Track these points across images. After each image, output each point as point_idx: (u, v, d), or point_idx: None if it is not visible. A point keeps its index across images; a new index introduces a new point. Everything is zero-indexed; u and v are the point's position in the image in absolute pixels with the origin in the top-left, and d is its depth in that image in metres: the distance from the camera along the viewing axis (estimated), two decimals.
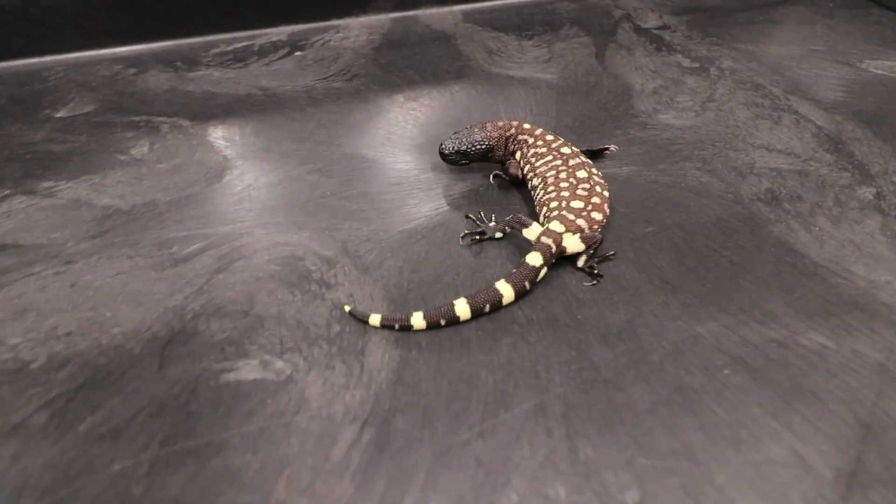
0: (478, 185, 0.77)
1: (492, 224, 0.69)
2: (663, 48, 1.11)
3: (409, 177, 0.79)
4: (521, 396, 0.51)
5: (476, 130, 0.75)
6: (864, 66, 1.05)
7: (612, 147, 0.80)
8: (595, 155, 0.80)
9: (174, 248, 0.67)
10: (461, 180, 0.78)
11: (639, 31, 1.18)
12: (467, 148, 0.74)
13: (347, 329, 0.57)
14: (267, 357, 0.55)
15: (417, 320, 0.56)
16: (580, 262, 0.63)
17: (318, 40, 1.14)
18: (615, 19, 1.23)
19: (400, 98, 0.96)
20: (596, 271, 0.62)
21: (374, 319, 0.57)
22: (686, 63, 1.06)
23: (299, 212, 0.73)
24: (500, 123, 0.76)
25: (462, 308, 0.57)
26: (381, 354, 0.55)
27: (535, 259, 0.60)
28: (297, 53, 1.10)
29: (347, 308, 0.59)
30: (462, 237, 0.68)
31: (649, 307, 0.60)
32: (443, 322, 0.57)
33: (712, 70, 1.04)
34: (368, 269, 0.65)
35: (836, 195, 0.75)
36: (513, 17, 1.24)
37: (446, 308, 0.57)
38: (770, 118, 0.90)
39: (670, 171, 0.79)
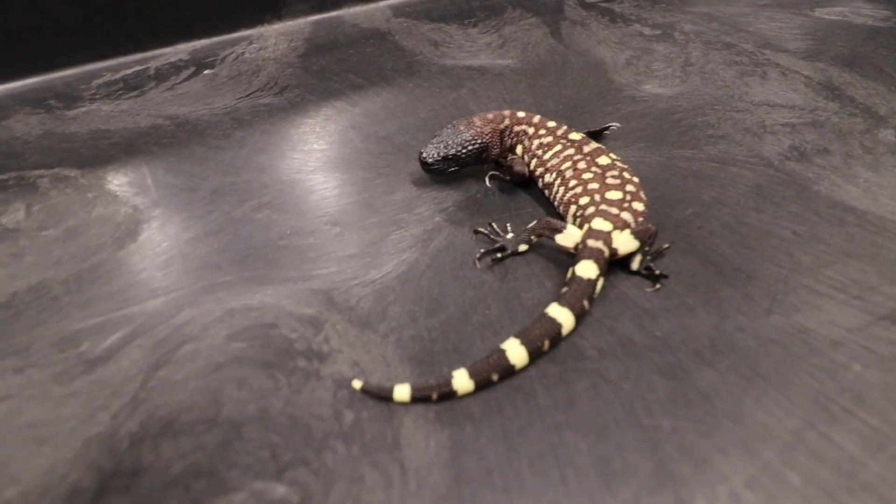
0: (473, 192, 0.63)
1: (509, 236, 0.55)
2: (618, 20, 1.04)
3: (385, 196, 0.64)
4: (630, 459, 0.38)
5: (462, 128, 0.61)
6: (816, 14, 1.03)
7: (614, 125, 0.69)
8: (596, 137, 0.69)
9: (84, 346, 0.48)
10: (450, 189, 0.64)
11: (585, 6, 1.10)
12: (457, 151, 0.60)
13: (365, 415, 0.42)
14: (259, 484, 0.37)
15: (462, 381, 0.42)
16: (635, 265, 0.51)
17: (228, 55, 0.96)
18: None
19: (346, 105, 0.81)
20: (657, 272, 0.50)
21: (401, 393, 0.42)
22: (647, 31, 0.99)
23: (255, 263, 0.56)
24: (490, 116, 0.63)
25: (516, 352, 0.43)
26: (423, 442, 0.40)
27: (587, 270, 0.47)
28: (207, 72, 0.92)
29: (357, 384, 0.43)
30: (478, 259, 0.54)
31: (732, 304, 0.48)
32: (495, 377, 0.43)
33: (676, 35, 0.97)
34: (369, 322, 0.49)
35: (860, 142, 0.69)
36: (447, 6, 1.13)
37: (495, 357, 0.43)
38: (756, 74, 0.84)
39: (682, 143, 0.70)
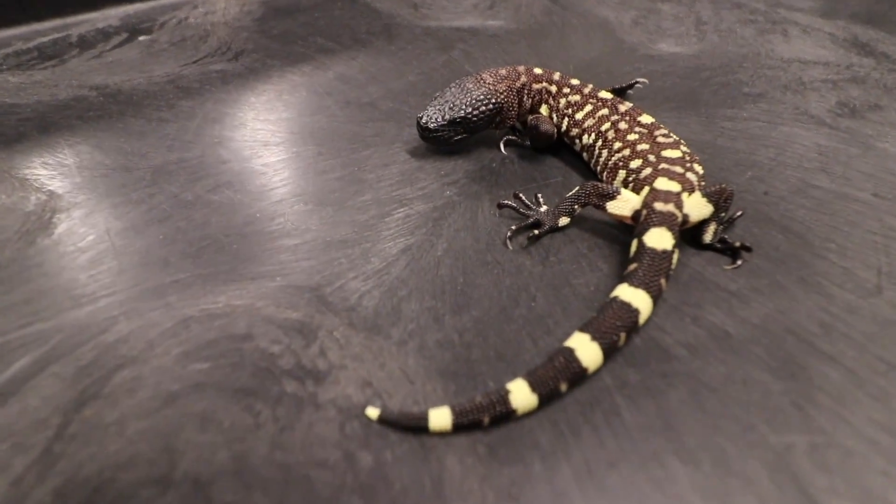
0: (487, 161, 0.52)
1: (543, 209, 0.44)
2: None
3: (379, 169, 0.52)
4: (765, 494, 0.28)
5: (471, 86, 0.50)
6: None
7: (641, 80, 0.60)
8: (620, 95, 0.59)
9: None
10: (458, 159, 0.53)
11: None
12: (467, 114, 0.49)
13: (390, 456, 0.30)
14: None
15: (522, 396, 0.31)
16: (708, 237, 0.41)
17: (169, 20, 0.82)
18: None
19: (316, 70, 0.68)
20: (737, 244, 0.41)
21: (440, 419, 0.30)
22: None
23: (215, 255, 0.43)
24: (503, 72, 0.52)
25: (587, 351, 0.32)
26: (477, 489, 0.28)
27: (660, 239, 0.37)
28: (143, 38, 0.77)
29: (373, 412, 0.31)
30: (509, 238, 0.43)
31: (833, 280, 0.39)
32: (563, 386, 0.32)
33: None
34: (378, 325, 0.37)
35: None
36: None
37: (561, 360, 0.32)
38: (776, 31, 0.77)
39: (718, 102, 0.61)
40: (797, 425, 0.31)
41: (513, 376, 0.32)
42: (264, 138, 0.56)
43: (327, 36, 0.77)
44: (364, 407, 0.32)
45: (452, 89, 0.51)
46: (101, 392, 0.33)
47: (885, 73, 0.67)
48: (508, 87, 0.51)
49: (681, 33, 0.77)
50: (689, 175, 0.41)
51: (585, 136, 0.48)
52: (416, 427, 0.30)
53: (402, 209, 0.47)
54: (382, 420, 0.31)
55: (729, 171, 0.50)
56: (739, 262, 0.40)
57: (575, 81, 0.52)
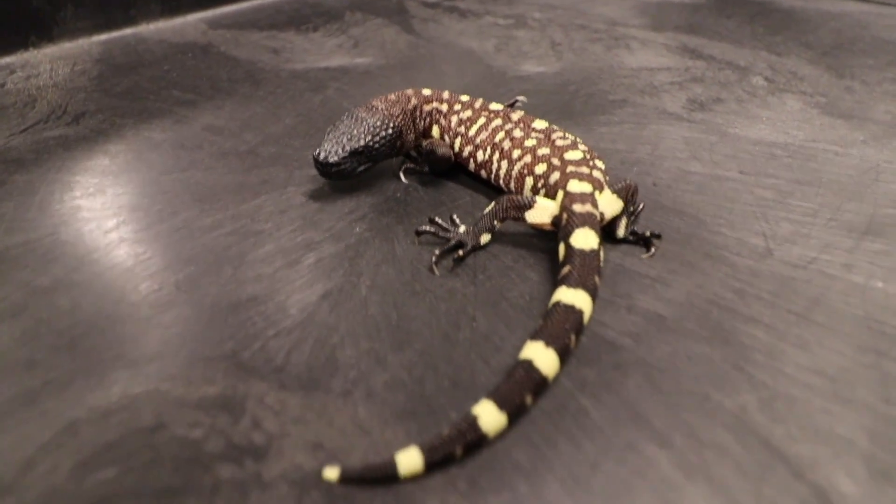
0: (391, 192, 0.52)
1: (462, 229, 0.45)
2: (468, 14, 1.03)
3: (275, 216, 0.49)
4: (735, 453, 0.30)
5: (364, 115, 0.50)
6: None
7: (521, 98, 0.64)
8: None
9: None
10: (360, 195, 0.52)
11: (429, 5, 1.07)
12: (367, 142, 0.49)
13: None
14: None
15: (490, 417, 0.30)
16: (621, 231, 0.44)
17: None
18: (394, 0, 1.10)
19: (177, 125, 0.64)
20: (647, 233, 0.44)
21: (410, 461, 0.28)
22: (501, 21, 0.99)
23: (94, 341, 0.37)
24: (392, 97, 0.53)
25: (544, 358, 0.33)
26: None
27: (586, 239, 0.39)
28: None
29: (332, 473, 0.29)
30: (435, 264, 0.42)
31: (731, 251, 0.44)
32: (528, 399, 0.32)
33: (530, 22, 0.99)
34: (315, 380, 0.34)
35: (742, 89, 0.73)
36: (274, 15, 1.01)
37: (520, 372, 0.32)
38: (620, 46, 0.88)
39: (591, 111, 0.68)
40: (744, 386, 0.34)
41: (474, 401, 0.31)
42: (130, 202, 0.51)
43: (184, 88, 0.73)
44: (319, 471, 0.29)
45: (345, 121, 0.51)
46: None
47: (716, 72, 0.79)
48: (402, 109, 0.52)
49: (540, 54, 0.85)
50: (595, 173, 0.45)
51: (480, 153, 0.50)
52: (385, 477, 0.28)
53: (311, 254, 0.45)
54: (345, 479, 0.28)
55: (617, 170, 0.55)
56: (654, 250, 0.44)
57: (465, 97, 0.55)
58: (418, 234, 0.45)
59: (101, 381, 0.34)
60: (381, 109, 0.51)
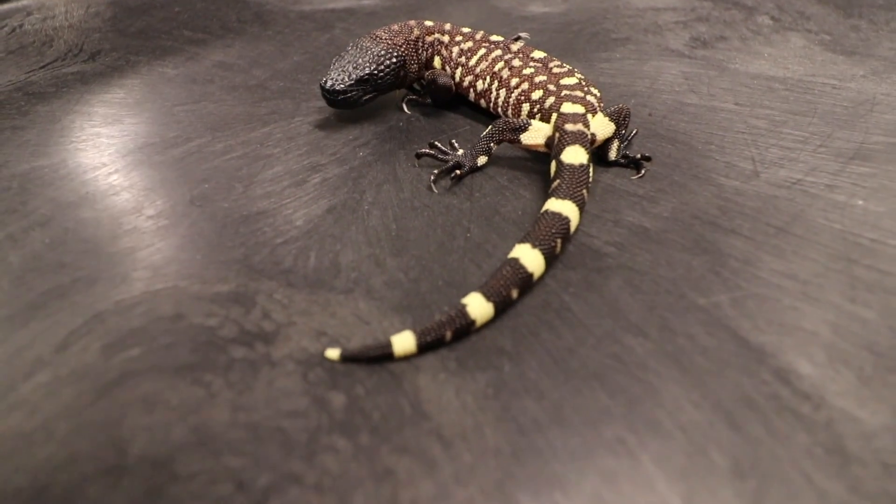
0: (393, 122, 0.54)
1: (460, 152, 0.47)
2: None
3: (283, 143, 0.51)
4: (707, 344, 0.32)
5: (369, 44, 0.52)
6: None
7: (524, 34, 0.65)
8: None
9: None
10: (365, 123, 0.54)
11: None
12: (372, 70, 0.51)
13: (362, 390, 0.31)
14: None
15: (479, 306, 0.33)
16: (613, 154, 0.46)
17: None
18: None
19: (189, 62, 0.66)
20: (638, 156, 0.46)
21: (404, 343, 0.32)
22: None
23: (118, 242, 0.40)
24: (395, 27, 0.55)
25: (530, 258, 0.35)
26: (455, 400, 0.30)
27: (576, 155, 0.41)
28: None
29: (334, 353, 0.32)
30: (433, 182, 0.45)
31: (719, 173, 0.46)
32: (514, 293, 0.34)
33: None
34: (320, 280, 0.37)
35: (746, 27, 0.73)
36: None
37: (508, 269, 0.35)
38: None
39: (594, 48, 0.68)
40: (718, 287, 0.36)
41: (465, 296, 0.34)
42: (147, 130, 0.54)
43: (194, 28, 0.74)
44: (321, 353, 0.32)
45: (350, 51, 0.52)
46: (12, 403, 0.30)
47: (722, 12, 0.78)
48: (405, 39, 0.54)
49: None
50: (590, 98, 0.46)
51: (480, 83, 0.52)
52: (382, 356, 0.31)
53: (317, 175, 0.47)
54: (345, 358, 0.32)
55: (615, 102, 0.56)
56: (643, 171, 0.46)
57: (466, 29, 0.56)
58: (418, 156, 0.47)
59: (124, 279, 0.38)
60: (385, 39, 0.53)
